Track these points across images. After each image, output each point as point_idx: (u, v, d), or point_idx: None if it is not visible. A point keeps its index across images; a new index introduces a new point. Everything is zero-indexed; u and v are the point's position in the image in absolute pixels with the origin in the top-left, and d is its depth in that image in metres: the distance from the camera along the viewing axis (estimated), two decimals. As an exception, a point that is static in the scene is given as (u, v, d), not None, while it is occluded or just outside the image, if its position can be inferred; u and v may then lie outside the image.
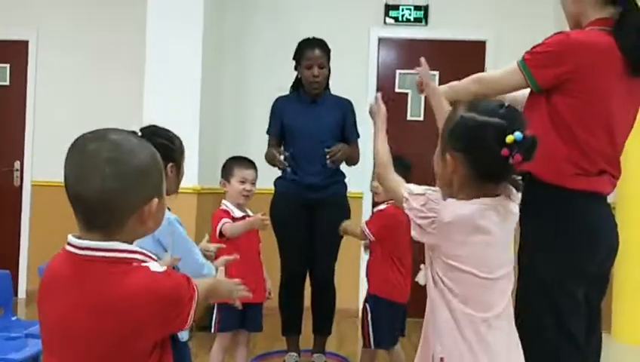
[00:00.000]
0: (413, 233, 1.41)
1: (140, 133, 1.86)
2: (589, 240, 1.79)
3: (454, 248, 1.35)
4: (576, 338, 1.78)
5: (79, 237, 1.11)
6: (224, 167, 2.81)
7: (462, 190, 1.39)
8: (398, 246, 2.72)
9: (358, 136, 3.37)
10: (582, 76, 1.75)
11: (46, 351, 1.15)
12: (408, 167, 2.83)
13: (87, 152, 1.09)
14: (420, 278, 1.48)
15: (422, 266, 1.49)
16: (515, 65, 1.84)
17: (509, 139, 1.27)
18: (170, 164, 1.85)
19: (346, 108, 3.34)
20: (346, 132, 3.33)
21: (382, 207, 2.79)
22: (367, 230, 2.74)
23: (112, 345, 1.06)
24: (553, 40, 1.80)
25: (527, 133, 1.28)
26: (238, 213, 2.72)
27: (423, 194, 1.40)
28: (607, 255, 1.85)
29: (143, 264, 1.10)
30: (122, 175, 1.08)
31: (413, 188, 1.45)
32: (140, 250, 1.13)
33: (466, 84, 1.98)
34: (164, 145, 1.86)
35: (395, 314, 2.74)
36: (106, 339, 1.06)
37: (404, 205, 1.43)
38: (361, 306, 2.95)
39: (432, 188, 1.43)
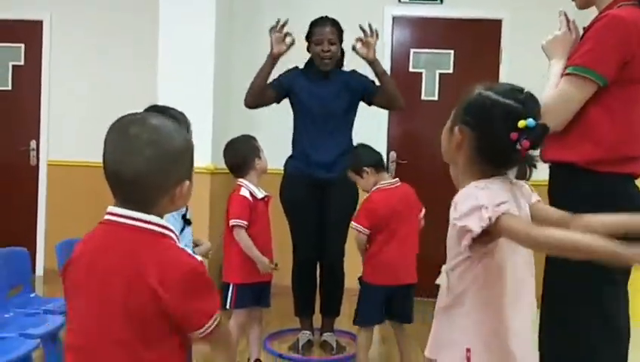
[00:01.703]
0: (477, 228, 1.26)
1: None
2: None
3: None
4: (616, 323, 1.76)
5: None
6: (253, 147, 2.76)
7: (465, 168, 1.37)
8: (401, 227, 2.71)
9: (378, 71, 3.23)
10: (635, 54, 1.70)
11: (75, 318, 1.19)
12: (365, 160, 2.81)
13: (128, 135, 1.16)
14: (442, 281, 1.43)
15: (443, 267, 1.45)
16: (570, 78, 1.74)
17: (521, 123, 1.25)
18: None
19: (354, 77, 3.29)
20: (369, 90, 3.26)
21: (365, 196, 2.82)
22: (360, 227, 2.72)
23: (143, 310, 1.12)
24: (596, 30, 1.73)
25: (539, 121, 1.26)
26: (260, 194, 2.71)
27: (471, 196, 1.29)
28: None
29: (175, 243, 1.19)
30: (160, 158, 1.15)
31: (460, 208, 1.31)
32: (173, 229, 1.21)
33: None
34: None
35: (384, 296, 2.75)
36: (137, 304, 1.12)
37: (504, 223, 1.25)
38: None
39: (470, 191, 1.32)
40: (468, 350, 1.32)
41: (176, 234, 1.21)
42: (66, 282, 1.22)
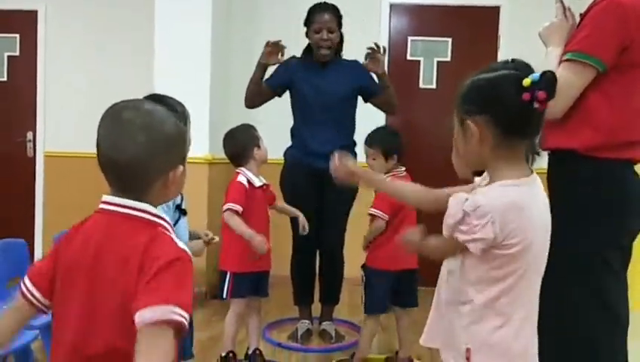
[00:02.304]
0: (476, 250, 1.27)
1: None
2: (627, 208, 1.75)
3: (506, 235, 1.27)
4: (616, 311, 1.75)
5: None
6: (252, 136, 2.75)
7: (495, 158, 1.31)
8: (407, 215, 2.72)
9: (384, 85, 3.25)
10: (634, 39, 1.68)
11: (61, 302, 1.17)
12: (396, 147, 2.78)
13: (121, 120, 1.16)
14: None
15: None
16: (569, 64, 1.71)
17: (526, 82, 1.23)
18: None
19: (356, 69, 3.26)
20: (369, 89, 3.26)
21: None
22: (380, 212, 2.72)
23: (127, 299, 1.07)
24: (594, 15, 1.71)
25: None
26: (258, 183, 2.70)
27: (464, 213, 1.27)
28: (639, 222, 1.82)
29: (167, 233, 1.16)
30: (154, 142, 1.15)
31: (448, 218, 1.30)
32: (167, 218, 1.20)
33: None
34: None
35: (392, 282, 2.77)
36: (122, 291, 1.09)
37: (462, 238, 1.28)
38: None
39: (462, 198, 1.29)
40: (468, 350, 1.31)
41: (169, 224, 1.20)
42: (57, 272, 1.19)
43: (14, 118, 4.85)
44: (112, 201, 1.18)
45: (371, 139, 2.81)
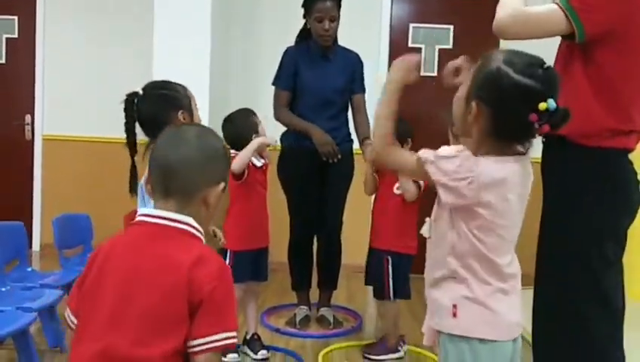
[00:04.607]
0: (445, 197, 1.32)
1: (141, 91, 1.89)
2: (621, 198, 1.74)
3: (487, 205, 1.32)
4: (611, 302, 1.75)
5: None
6: (252, 122, 2.75)
7: (479, 142, 1.36)
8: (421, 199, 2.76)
9: (364, 90, 3.32)
10: (630, 22, 1.65)
11: (93, 320, 1.15)
12: (410, 131, 2.82)
13: (180, 130, 1.33)
14: (425, 231, 1.47)
15: (427, 219, 1.48)
16: (556, 6, 1.65)
17: (542, 106, 1.24)
18: (180, 112, 1.86)
19: (355, 63, 3.29)
20: (354, 84, 3.28)
21: None
22: (421, 182, 2.74)
23: (171, 305, 1.11)
24: None
25: (560, 105, 1.25)
26: (258, 163, 2.74)
27: (456, 156, 1.32)
28: (635, 210, 1.80)
29: (207, 246, 1.22)
30: (205, 149, 1.25)
31: (441, 150, 1.36)
32: (202, 232, 1.24)
33: (499, 14, 1.72)
34: (167, 94, 1.89)
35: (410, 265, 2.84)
36: (164, 298, 1.11)
37: (429, 169, 1.33)
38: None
39: (461, 148, 1.36)
40: (454, 306, 1.36)
41: (203, 236, 1.24)
42: (87, 281, 1.19)
43: (12, 101, 4.82)
44: (151, 214, 1.21)
45: (403, 134, 2.81)
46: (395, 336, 2.88)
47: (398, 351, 2.89)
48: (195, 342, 1.11)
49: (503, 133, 1.33)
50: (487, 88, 1.33)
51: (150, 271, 1.13)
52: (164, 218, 1.19)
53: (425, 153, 1.36)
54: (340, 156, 3.11)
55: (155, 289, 1.12)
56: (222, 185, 1.25)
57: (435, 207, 1.43)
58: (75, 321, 1.20)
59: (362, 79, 3.32)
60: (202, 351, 1.11)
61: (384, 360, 2.86)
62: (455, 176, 1.31)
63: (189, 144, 1.24)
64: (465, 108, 1.37)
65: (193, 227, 1.21)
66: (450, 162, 1.32)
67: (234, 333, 1.15)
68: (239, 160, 2.60)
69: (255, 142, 2.64)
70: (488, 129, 1.33)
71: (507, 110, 1.30)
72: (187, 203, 1.21)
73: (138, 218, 1.23)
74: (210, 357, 1.12)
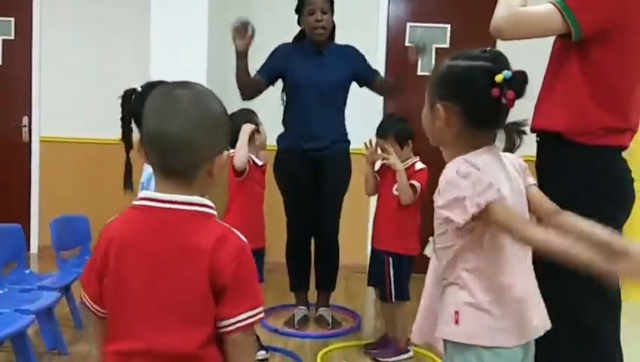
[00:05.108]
0: (460, 220, 1.27)
1: (140, 89, 1.87)
2: (616, 194, 1.74)
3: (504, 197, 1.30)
4: (613, 303, 1.75)
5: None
6: (252, 121, 2.76)
7: (457, 143, 1.35)
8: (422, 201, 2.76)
9: (378, 72, 3.29)
10: (625, 20, 1.65)
11: (123, 317, 1.14)
12: (411, 133, 2.82)
13: (172, 96, 1.14)
14: (428, 251, 1.46)
15: (430, 239, 1.46)
16: (552, 6, 1.66)
17: (498, 78, 1.25)
18: None
19: (351, 55, 3.25)
20: (365, 77, 3.26)
21: (420, 166, 2.83)
22: (418, 184, 2.76)
23: (196, 291, 1.09)
24: None
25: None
26: (259, 162, 2.76)
27: (464, 178, 1.28)
28: (630, 206, 1.81)
29: (222, 223, 1.16)
30: (205, 119, 1.13)
31: (445, 194, 1.30)
32: (214, 207, 1.17)
33: (497, 14, 1.74)
34: None
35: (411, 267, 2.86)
36: (189, 285, 1.10)
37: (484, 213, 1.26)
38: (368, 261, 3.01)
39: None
40: (456, 312, 1.34)
41: (215, 210, 1.18)
42: (108, 275, 1.14)
43: (9, 103, 4.81)
44: (155, 198, 1.13)
45: (383, 130, 2.82)
46: (404, 337, 2.87)
47: (408, 351, 2.89)
48: (224, 323, 1.11)
49: (477, 120, 1.33)
50: (445, 85, 1.35)
51: (172, 263, 1.10)
52: (174, 201, 1.12)
53: (446, 211, 1.29)
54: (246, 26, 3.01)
55: (180, 280, 1.10)
56: (225, 153, 1.17)
57: (437, 222, 1.38)
58: (99, 308, 1.18)
59: (370, 67, 3.28)
60: (233, 331, 1.11)
61: (397, 361, 2.87)
62: (477, 191, 1.26)
63: (187, 115, 1.10)
64: (431, 118, 1.37)
65: (204, 205, 1.14)
66: (462, 188, 1.27)
67: (260, 309, 1.12)
68: (239, 155, 2.60)
69: (244, 131, 2.62)
70: (462, 123, 1.34)
71: (470, 95, 1.31)
72: (191, 180, 1.13)
73: (144, 202, 1.14)
74: (241, 336, 1.12)
